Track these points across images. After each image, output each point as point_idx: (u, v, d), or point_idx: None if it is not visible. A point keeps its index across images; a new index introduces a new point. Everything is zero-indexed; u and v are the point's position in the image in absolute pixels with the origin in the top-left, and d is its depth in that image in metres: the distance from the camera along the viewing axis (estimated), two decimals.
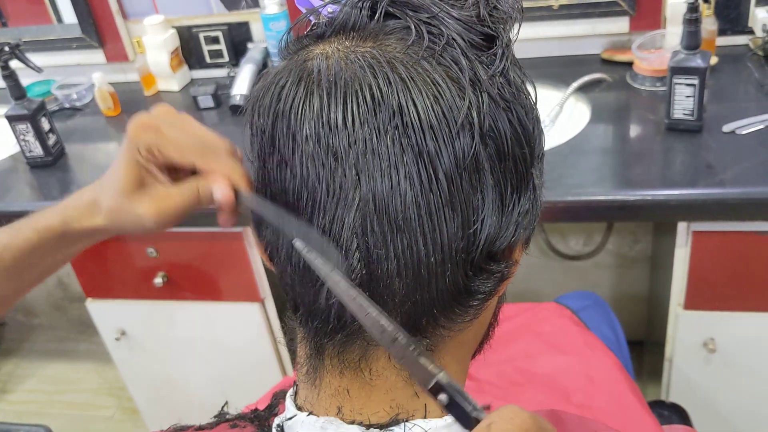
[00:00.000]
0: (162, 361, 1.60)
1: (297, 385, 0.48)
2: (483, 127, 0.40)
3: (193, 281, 1.43)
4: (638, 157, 1.20)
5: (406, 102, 0.39)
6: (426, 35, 0.41)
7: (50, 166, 1.45)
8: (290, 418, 0.46)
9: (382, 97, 0.39)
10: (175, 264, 1.42)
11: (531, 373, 0.99)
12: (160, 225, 0.53)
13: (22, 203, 1.37)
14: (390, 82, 0.39)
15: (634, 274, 1.77)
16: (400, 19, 0.42)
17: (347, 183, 0.39)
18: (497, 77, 0.41)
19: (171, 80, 1.69)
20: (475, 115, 0.39)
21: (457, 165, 0.39)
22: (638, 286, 1.78)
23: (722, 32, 1.42)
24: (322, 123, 0.40)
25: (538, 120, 0.45)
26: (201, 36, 1.69)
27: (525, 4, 1.48)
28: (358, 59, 0.40)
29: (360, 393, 0.44)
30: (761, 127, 1.19)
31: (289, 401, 0.47)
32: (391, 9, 0.42)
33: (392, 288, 0.40)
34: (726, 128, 1.19)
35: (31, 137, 1.42)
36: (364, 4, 0.43)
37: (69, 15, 1.73)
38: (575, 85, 1.41)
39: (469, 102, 0.39)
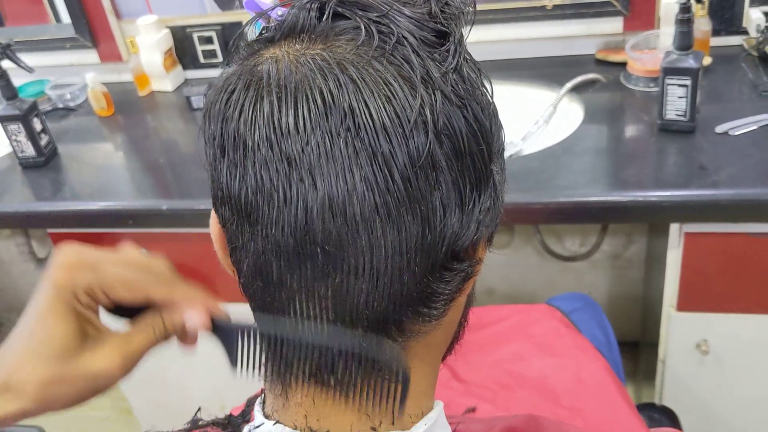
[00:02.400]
0: (157, 362, 1.59)
1: (264, 393, 0.48)
2: (437, 125, 0.39)
3: (187, 282, 1.43)
4: (631, 158, 1.20)
5: (357, 103, 0.38)
6: (376, 34, 0.40)
7: (42, 167, 1.45)
8: (258, 427, 0.46)
9: (333, 99, 0.38)
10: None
11: (521, 376, 0.99)
12: (124, 375, 0.47)
13: (13, 205, 1.36)
14: (341, 84, 0.39)
15: (629, 275, 1.76)
16: (350, 19, 0.41)
17: (303, 188, 0.38)
18: (450, 74, 0.40)
19: (165, 80, 1.69)
20: (428, 113, 0.39)
21: (413, 164, 0.38)
22: (633, 287, 1.77)
23: (716, 32, 1.41)
24: (273, 128, 0.39)
25: (495, 115, 0.44)
26: (195, 36, 1.68)
27: (519, 5, 1.48)
28: (308, 62, 0.40)
29: (325, 402, 0.44)
30: (755, 128, 1.18)
31: (257, 408, 0.47)
32: (339, 9, 0.41)
33: (354, 292, 0.40)
34: (719, 129, 1.19)
35: (23, 138, 1.42)
36: (312, 6, 0.42)
37: (67, 15, 1.72)
38: (569, 85, 1.40)
39: (422, 100, 0.39)
